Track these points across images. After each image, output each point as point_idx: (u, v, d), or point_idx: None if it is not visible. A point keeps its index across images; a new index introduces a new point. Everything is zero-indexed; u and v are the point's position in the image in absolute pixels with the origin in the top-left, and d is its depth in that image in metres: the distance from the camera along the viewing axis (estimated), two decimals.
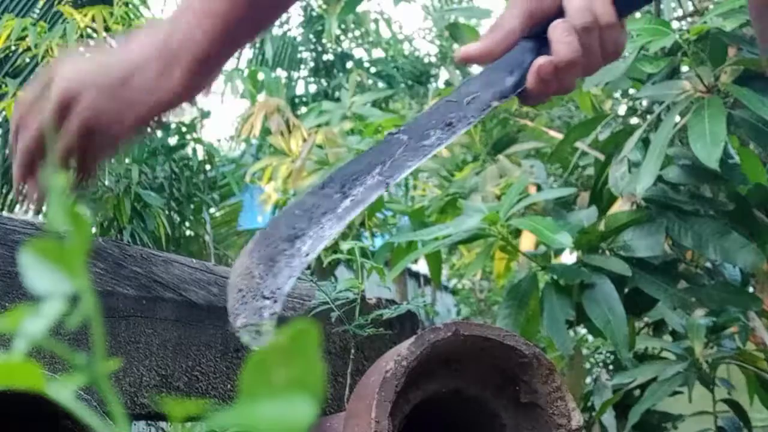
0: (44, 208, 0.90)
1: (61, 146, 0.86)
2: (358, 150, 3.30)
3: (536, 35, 0.84)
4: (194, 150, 4.00)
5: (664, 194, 1.64)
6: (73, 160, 0.88)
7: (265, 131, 4.68)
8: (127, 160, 3.53)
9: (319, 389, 0.27)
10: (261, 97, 5.96)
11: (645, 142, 1.63)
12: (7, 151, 4.71)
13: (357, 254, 1.46)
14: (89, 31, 3.46)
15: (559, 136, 2.25)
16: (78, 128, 0.84)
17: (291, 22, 8.51)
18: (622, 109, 2.29)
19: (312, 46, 8.46)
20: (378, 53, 9.04)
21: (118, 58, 0.86)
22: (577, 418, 1.17)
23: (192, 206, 3.95)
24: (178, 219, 3.92)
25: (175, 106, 0.87)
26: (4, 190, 4.72)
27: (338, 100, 5.52)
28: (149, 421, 1.93)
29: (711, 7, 2.01)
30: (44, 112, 0.85)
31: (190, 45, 0.83)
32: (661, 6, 1.92)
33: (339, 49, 8.58)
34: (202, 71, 0.85)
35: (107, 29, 3.31)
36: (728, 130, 1.56)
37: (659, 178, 1.64)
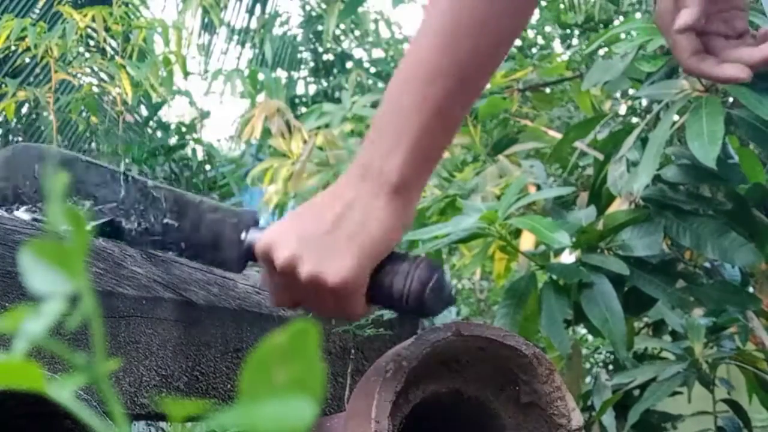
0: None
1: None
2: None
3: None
4: (194, 150, 4.00)
5: (663, 194, 1.64)
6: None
7: (266, 132, 4.68)
8: (126, 161, 3.53)
9: (319, 389, 0.27)
10: (261, 97, 5.96)
11: (643, 142, 1.63)
12: None
13: None
14: (89, 31, 3.46)
15: (559, 136, 2.25)
16: (306, 287, 0.83)
17: (291, 22, 8.51)
18: (622, 109, 2.30)
19: (312, 46, 8.46)
20: (378, 53, 9.04)
21: (319, 205, 0.85)
22: (578, 418, 1.18)
23: None
24: None
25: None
26: None
27: (338, 100, 5.52)
28: (149, 421, 1.93)
29: None
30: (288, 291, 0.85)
31: (387, 172, 0.82)
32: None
33: (339, 49, 8.58)
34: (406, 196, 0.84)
35: (107, 29, 3.31)
36: (728, 130, 1.56)
37: (658, 178, 1.64)
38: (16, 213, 0.96)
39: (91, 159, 1.06)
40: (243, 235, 0.91)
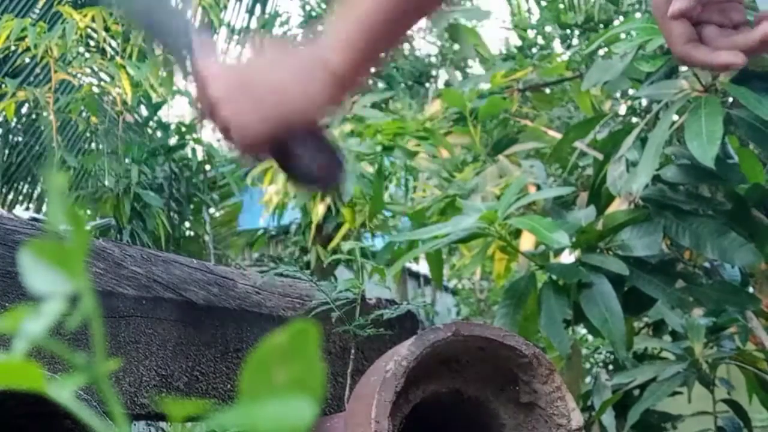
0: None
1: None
2: (359, 152, 3.29)
3: None
4: (194, 150, 3.99)
5: (662, 194, 1.64)
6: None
7: None
8: (126, 161, 3.53)
9: (319, 389, 0.27)
10: None
11: (643, 142, 1.63)
12: (6, 152, 4.71)
13: (357, 255, 1.47)
14: (89, 31, 3.46)
15: (559, 136, 2.25)
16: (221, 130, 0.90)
17: (291, 22, 8.51)
18: (621, 109, 2.30)
19: None
20: None
21: (264, 68, 0.91)
22: (577, 418, 1.18)
23: (191, 206, 3.95)
24: (178, 219, 3.92)
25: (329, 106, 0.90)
26: (4, 190, 4.71)
27: None
28: (149, 421, 1.94)
29: None
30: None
31: (331, 63, 0.87)
32: None
33: None
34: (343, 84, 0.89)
35: (107, 29, 3.31)
36: (728, 130, 1.56)
37: (657, 178, 1.64)
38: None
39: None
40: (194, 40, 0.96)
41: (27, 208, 4.73)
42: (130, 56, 3.37)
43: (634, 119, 2.11)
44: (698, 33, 0.95)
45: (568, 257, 1.98)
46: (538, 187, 2.27)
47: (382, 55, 0.93)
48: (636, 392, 2.02)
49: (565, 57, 3.58)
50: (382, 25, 0.89)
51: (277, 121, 0.89)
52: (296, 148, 0.91)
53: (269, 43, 0.95)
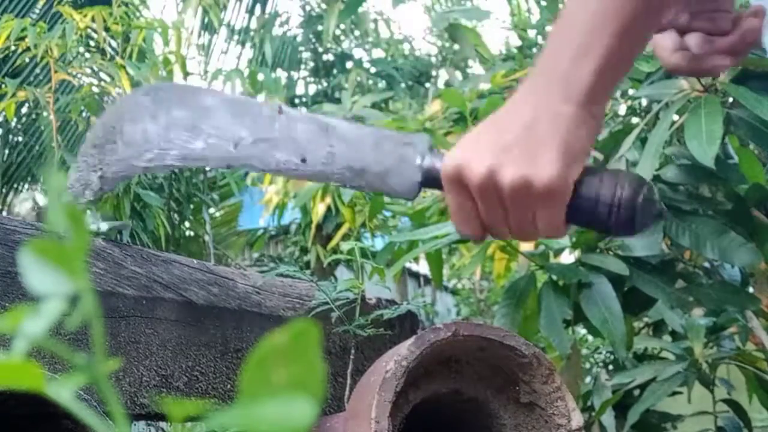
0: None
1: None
2: None
3: None
4: None
5: (662, 194, 1.64)
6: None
7: None
8: None
9: (319, 389, 0.27)
10: (260, 97, 5.96)
11: (643, 142, 1.63)
12: (6, 152, 4.71)
13: (357, 255, 1.47)
14: (89, 31, 3.46)
15: None
16: (509, 198, 0.78)
17: (291, 22, 8.51)
18: (621, 109, 2.30)
19: (312, 46, 8.46)
20: (378, 53, 9.05)
21: (502, 115, 0.80)
22: (577, 418, 1.18)
23: (191, 206, 3.95)
24: (178, 219, 3.92)
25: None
26: (4, 190, 4.72)
27: (338, 100, 5.52)
28: (149, 421, 1.94)
29: None
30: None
31: (576, 78, 0.78)
32: None
33: (339, 50, 8.59)
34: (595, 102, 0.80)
35: (107, 29, 3.31)
36: (727, 130, 1.56)
37: (657, 178, 1.64)
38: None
39: (235, 95, 1.02)
40: (419, 160, 0.85)
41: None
42: (130, 56, 3.37)
43: (634, 119, 2.11)
44: (687, 41, 0.96)
45: (567, 257, 1.98)
46: None
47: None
48: (636, 392, 2.02)
49: None
50: (624, 50, 0.80)
51: (573, 162, 0.77)
52: (592, 186, 0.79)
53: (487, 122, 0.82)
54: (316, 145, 0.87)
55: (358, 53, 8.89)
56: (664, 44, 0.95)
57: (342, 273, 5.83)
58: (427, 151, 0.86)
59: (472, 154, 0.79)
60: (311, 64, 8.55)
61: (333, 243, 4.46)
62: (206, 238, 4.14)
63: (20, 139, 4.74)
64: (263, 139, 0.88)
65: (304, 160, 0.87)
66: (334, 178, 0.88)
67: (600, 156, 1.86)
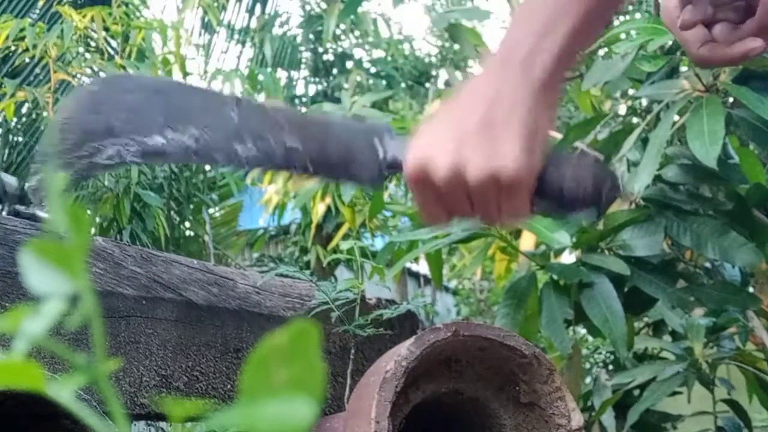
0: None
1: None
2: None
3: None
4: None
5: (663, 194, 1.64)
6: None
7: None
8: None
9: (319, 389, 0.27)
10: (260, 98, 5.96)
11: (644, 142, 1.63)
12: (6, 152, 4.71)
13: (357, 254, 1.46)
14: (88, 31, 3.46)
15: (560, 136, 2.25)
16: (476, 190, 0.77)
17: (291, 22, 8.52)
18: (622, 109, 2.30)
19: (312, 46, 8.46)
20: (378, 53, 9.05)
21: (460, 104, 0.79)
22: (577, 419, 1.18)
23: (191, 206, 3.95)
24: (178, 219, 3.92)
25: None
26: None
27: (338, 100, 5.52)
28: (149, 421, 1.93)
29: None
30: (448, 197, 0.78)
31: (536, 64, 0.78)
32: (661, 5, 1.92)
33: (339, 49, 8.59)
34: (555, 83, 0.80)
35: (106, 29, 3.31)
36: (728, 130, 1.55)
37: (658, 178, 1.64)
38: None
39: (193, 84, 0.97)
40: (380, 151, 0.84)
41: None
42: (129, 56, 3.37)
43: (635, 119, 2.11)
44: (712, 32, 0.96)
45: (568, 257, 1.98)
46: None
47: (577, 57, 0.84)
48: (636, 392, 2.02)
49: None
50: (582, 36, 0.80)
51: (535, 147, 0.77)
52: (557, 173, 0.79)
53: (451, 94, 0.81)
54: (277, 137, 0.86)
55: (358, 53, 8.89)
56: (691, 38, 0.95)
57: (342, 273, 5.83)
58: (389, 139, 0.84)
59: (435, 147, 0.77)
60: (311, 64, 8.55)
61: (333, 243, 4.47)
62: (206, 238, 4.14)
63: (20, 139, 4.73)
64: (224, 132, 0.86)
65: (266, 153, 0.85)
66: (298, 169, 0.86)
67: (600, 156, 1.86)
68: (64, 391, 0.26)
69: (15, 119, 4.52)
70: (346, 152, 0.85)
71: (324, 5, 7.78)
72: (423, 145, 0.78)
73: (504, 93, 0.77)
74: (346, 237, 4.04)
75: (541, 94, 0.77)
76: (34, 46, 3.07)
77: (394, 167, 0.83)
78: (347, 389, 1.40)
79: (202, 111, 0.88)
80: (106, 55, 3.53)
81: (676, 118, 1.56)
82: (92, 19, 3.26)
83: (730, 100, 1.62)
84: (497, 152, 0.75)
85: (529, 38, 0.79)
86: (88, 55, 3.65)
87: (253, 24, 7.76)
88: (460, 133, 0.77)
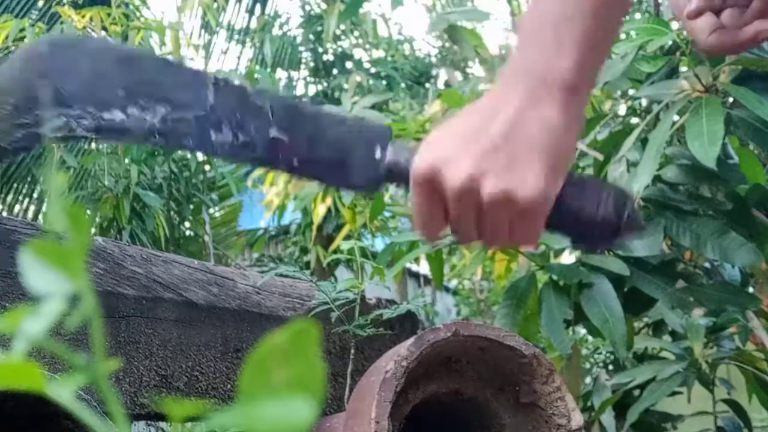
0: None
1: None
2: None
3: None
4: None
5: (663, 194, 1.64)
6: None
7: None
8: (126, 161, 3.53)
9: (319, 389, 0.27)
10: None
11: (643, 142, 1.63)
12: None
13: (357, 254, 1.47)
14: (88, 31, 3.46)
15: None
16: (488, 208, 0.73)
17: (291, 23, 8.52)
18: (622, 110, 2.30)
19: (312, 47, 8.46)
20: (378, 54, 9.05)
21: (479, 114, 0.74)
22: (577, 419, 1.18)
23: (191, 206, 3.95)
24: (178, 219, 3.92)
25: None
26: (3, 190, 4.72)
27: (338, 100, 5.53)
28: (149, 421, 1.93)
29: None
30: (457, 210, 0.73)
31: (556, 75, 0.73)
32: (660, 5, 1.93)
33: (339, 50, 8.59)
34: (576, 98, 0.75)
35: (105, 30, 3.31)
36: (728, 131, 1.56)
37: (658, 178, 1.64)
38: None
39: (171, 59, 0.86)
40: (378, 153, 0.77)
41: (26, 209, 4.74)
42: None
43: (635, 120, 2.11)
44: (721, 19, 0.95)
45: (568, 257, 1.98)
46: None
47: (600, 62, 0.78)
48: (636, 392, 2.02)
49: None
50: (598, 45, 0.75)
51: (557, 171, 0.72)
52: (575, 198, 0.74)
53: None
54: (260, 125, 0.76)
55: (358, 53, 8.89)
56: (700, 27, 0.94)
57: (342, 273, 5.82)
58: (389, 141, 0.78)
59: (449, 155, 0.73)
60: (311, 64, 8.55)
61: (334, 245, 4.47)
62: (206, 238, 4.14)
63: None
64: (197, 114, 0.76)
65: (245, 144, 0.76)
66: (282, 164, 0.78)
67: (600, 156, 1.86)
68: (64, 391, 0.26)
69: None
70: (340, 150, 0.78)
71: (324, 5, 7.77)
72: (437, 150, 0.74)
73: (529, 114, 0.73)
74: (346, 238, 4.04)
75: (567, 116, 0.73)
76: None
77: (393, 172, 0.77)
78: (347, 389, 1.40)
79: (174, 88, 0.77)
80: None
81: (676, 118, 1.56)
82: (91, 20, 3.26)
83: (730, 100, 1.62)
84: (517, 173, 0.71)
85: (543, 50, 0.74)
86: None
87: (253, 24, 7.76)
88: (479, 147, 0.72)
